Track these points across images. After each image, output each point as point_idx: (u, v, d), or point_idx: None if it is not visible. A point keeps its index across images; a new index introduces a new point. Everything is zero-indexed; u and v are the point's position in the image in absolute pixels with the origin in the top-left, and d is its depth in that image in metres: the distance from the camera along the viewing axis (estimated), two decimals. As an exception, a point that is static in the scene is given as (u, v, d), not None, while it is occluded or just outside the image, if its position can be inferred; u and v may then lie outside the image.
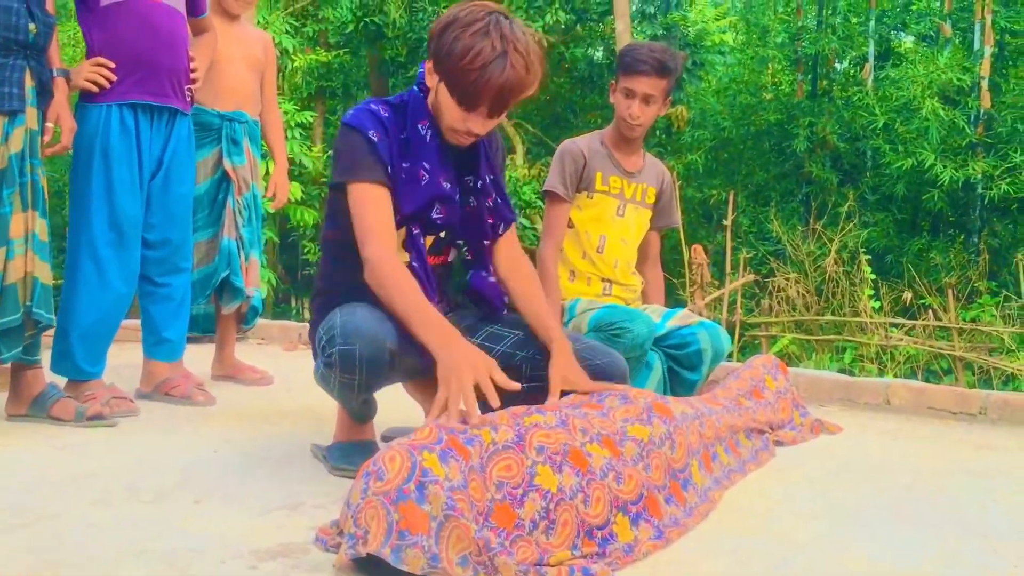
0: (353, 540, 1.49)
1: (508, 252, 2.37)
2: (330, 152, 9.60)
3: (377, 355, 2.01)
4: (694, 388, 2.91)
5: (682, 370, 2.91)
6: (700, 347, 2.87)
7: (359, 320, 2.01)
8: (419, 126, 2.17)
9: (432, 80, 2.13)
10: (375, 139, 2.13)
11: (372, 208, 2.10)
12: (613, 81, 3.07)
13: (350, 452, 2.27)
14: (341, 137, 2.18)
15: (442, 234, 2.27)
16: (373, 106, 2.19)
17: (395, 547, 1.44)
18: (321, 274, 2.36)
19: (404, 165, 2.15)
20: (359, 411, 2.29)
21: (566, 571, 1.57)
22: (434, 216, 2.21)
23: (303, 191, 8.32)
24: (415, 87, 2.22)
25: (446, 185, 2.19)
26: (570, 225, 3.10)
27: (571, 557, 1.63)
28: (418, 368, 2.10)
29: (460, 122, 2.10)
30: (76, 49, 8.45)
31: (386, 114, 2.18)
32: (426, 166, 2.16)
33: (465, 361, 1.88)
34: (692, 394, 2.87)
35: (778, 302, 7.41)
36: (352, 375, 2.03)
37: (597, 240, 3.09)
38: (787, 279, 7.47)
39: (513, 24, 2.04)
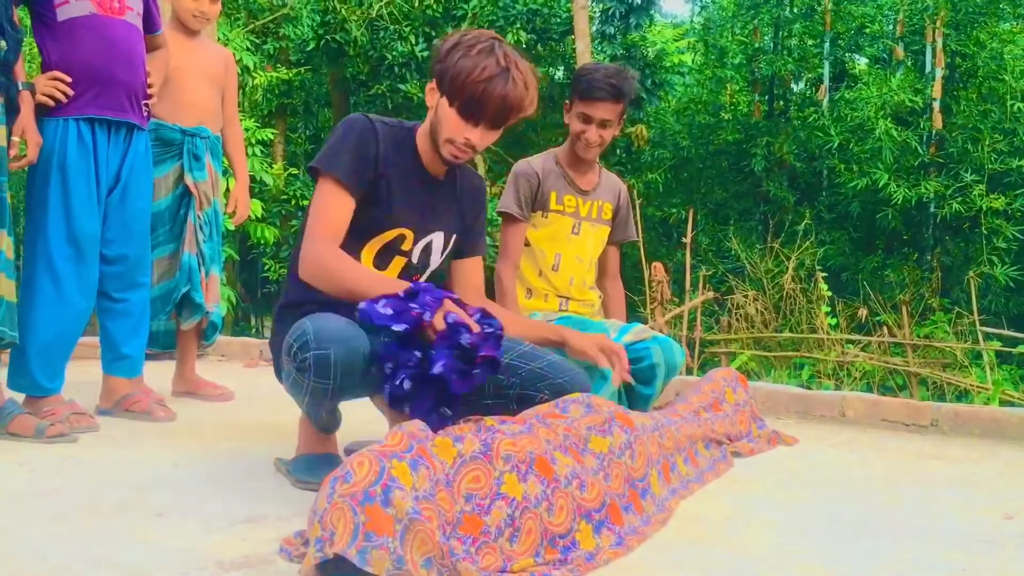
0: (320, 543, 1.49)
1: (473, 282, 2.53)
2: (291, 170, 9.57)
3: (352, 359, 2.01)
4: (649, 402, 2.91)
5: (637, 384, 2.93)
6: (653, 361, 2.87)
7: (332, 326, 2.01)
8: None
9: (432, 99, 2.25)
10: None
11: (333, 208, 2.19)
12: (568, 102, 3.10)
13: (314, 465, 2.27)
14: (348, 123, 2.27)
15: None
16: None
17: (361, 548, 1.45)
18: (288, 288, 2.37)
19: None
20: (325, 421, 2.27)
21: (528, 577, 1.59)
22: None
23: (264, 208, 8.26)
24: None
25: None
26: (527, 243, 3.13)
27: (534, 564, 1.65)
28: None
29: (459, 133, 2.19)
30: (31, 64, 8.36)
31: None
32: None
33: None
34: (647, 408, 2.89)
35: (737, 319, 7.49)
36: (326, 380, 2.01)
37: (552, 258, 3.12)
38: (746, 296, 7.55)
39: (511, 49, 2.19)
